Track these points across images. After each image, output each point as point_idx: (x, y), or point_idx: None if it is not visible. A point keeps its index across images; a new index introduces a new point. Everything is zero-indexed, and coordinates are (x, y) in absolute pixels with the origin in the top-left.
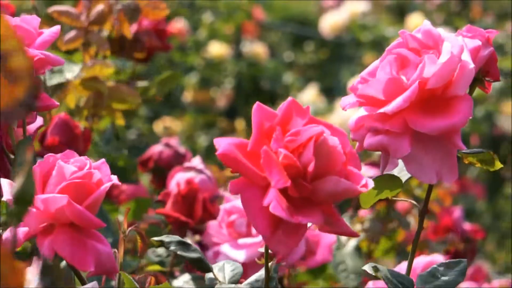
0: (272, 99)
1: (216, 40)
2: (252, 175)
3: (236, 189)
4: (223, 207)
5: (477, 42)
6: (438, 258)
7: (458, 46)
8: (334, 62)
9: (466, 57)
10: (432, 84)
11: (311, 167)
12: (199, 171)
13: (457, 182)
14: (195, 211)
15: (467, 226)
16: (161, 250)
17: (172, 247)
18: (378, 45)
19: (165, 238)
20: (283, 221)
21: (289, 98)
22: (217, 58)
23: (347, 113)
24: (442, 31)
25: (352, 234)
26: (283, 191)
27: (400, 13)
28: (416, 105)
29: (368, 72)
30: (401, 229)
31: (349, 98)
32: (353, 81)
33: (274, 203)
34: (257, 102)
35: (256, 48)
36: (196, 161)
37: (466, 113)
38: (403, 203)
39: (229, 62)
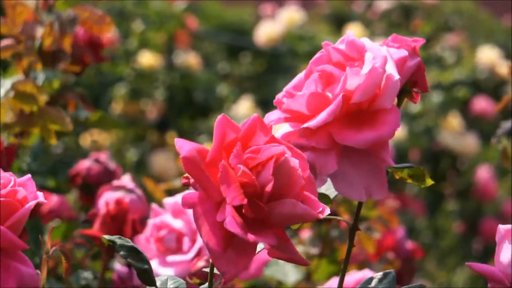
0: (205, 111)
1: (147, 50)
2: (209, 187)
3: (189, 202)
4: (152, 221)
5: (403, 52)
6: (369, 273)
7: (381, 57)
8: (271, 73)
9: (391, 68)
10: (357, 98)
11: (268, 188)
12: (129, 191)
13: (396, 198)
14: (125, 233)
15: (407, 244)
16: (87, 273)
17: (122, 253)
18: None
19: (118, 239)
20: (234, 240)
21: (255, 115)
22: (148, 68)
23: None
24: (367, 42)
25: (302, 263)
26: (237, 209)
27: (339, 23)
28: (341, 119)
29: (293, 86)
30: (343, 249)
31: (274, 114)
32: (277, 96)
33: (229, 218)
34: (223, 114)
35: (189, 58)
36: (126, 180)
37: (393, 125)
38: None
39: (161, 73)
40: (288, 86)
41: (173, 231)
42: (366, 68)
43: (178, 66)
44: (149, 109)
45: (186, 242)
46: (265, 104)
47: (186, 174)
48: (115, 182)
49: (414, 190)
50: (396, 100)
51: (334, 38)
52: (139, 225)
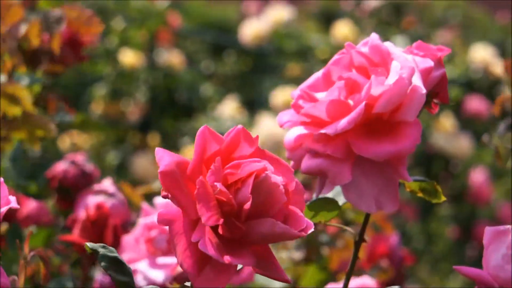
0: (189, 112)
1: (128, 48)
2: (186, 204)
3: (165, 220)
4: (143, 221)
5: (429, 63)
6: (368, 281)
7: (409, 68)
8: (256, 73)
9: (417, 80)
10: (380, 108)
11: (247, 206)
12: (111, 195)
13: None
14: (106, 238)
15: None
16: (67, 281)
17: (103, 264)
18: (303, 55)
19: (101, 249)
20: (212, 259)
21: (238, 126)
22: (129, 67)
23: (270, 128)
24: (390, 47)
25: (283, 280)
26: (214, 229)
27: (327, 20)
28: (360, 128)
29: (309, 85)
30: (333, 256)
31: (289, 115)
32: (292, 94)
33: (203, 240)
34: (205, 125)
35: (172, 57)
36: (107, 183)
37: (414, 139)
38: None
39: (143, 72)
40: (304, 85)
41: (164, 232)
42: (392, 78)
43: (161, 65)
44: (131, 109)
45: None
46: (251, 104)
47: None
48: (96, 186)
49: (406, 194)
50: None
51: (321, 37)
52: (121, 231)
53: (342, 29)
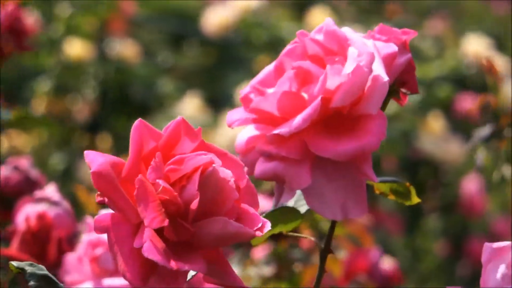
0: (144, 110)
1: (75, 38)
2: (125, 208)
3: (101, 226)
4: (87, 238)
5: (392, 48)
6: None
7: (367, 54)
8: (221, 66)
9: (378, 68)
10: (338, 101)
11: (194, 205)
12: (54, 203)
13: (369, 213)
14: (48, 252)
15: (384, 267)
16: None
17: (32, 283)
18: (274, 46)
19: (28, 267)
20: (158, 267)
21: (179, 117)
22: (77, 59)
23: (236, 129)
24: (349, 33)
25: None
26: (159, 232)
27: (301, 8)
28: (317, 125)
29: (260, 80)
30: (306, 272)
31: (238, 113)
32: (242, 91)
33: (148, 244)
34: (139, 119)
35: (125, 48)
36: (50, 190)
37: (378, 134)
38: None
39: (92, 65)
40: (255, 81)
41: None
42: (349, 67)
43: (112, 57)
44: (78, 107)
45: None
46: (215, 102)
47: None
48: (37, 193)
49: (389, 204)
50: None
51: (295, 26)
52: (66, 244)
53: (318, 17)
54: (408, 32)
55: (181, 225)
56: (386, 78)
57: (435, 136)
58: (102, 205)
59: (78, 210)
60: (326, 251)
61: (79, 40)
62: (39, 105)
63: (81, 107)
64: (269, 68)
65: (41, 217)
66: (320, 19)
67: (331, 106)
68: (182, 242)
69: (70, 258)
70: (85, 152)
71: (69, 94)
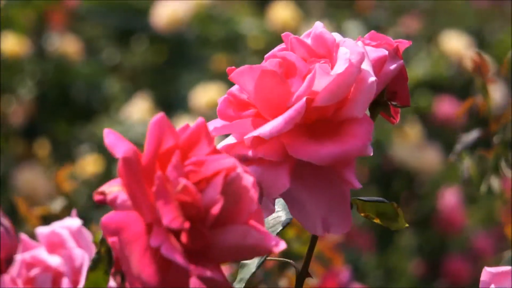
0: (87, 114)
1: (9, 32)
2: (142, 203)
3: (113, 227)
4: (21, 257)
5: (382, 52)
6: None
7: (358, 53)
8: (173, 65)
9: (366, 68)
10: (323, 100)
11: (215, 210)
12: None
13: None
14: None
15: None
16: None
17: None
18: (232, 44)
19: None
20: (170, 272)
21: (200, 119)
22: (11, 56)
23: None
24: (338, 37)
25: None
26: (175, 235)
27: (262, 3)
28: (299, 126)
29: (239, 88)
30: None
31: (214, 122)
32: (219, 100)
33: (167, 244)
34: (162, 114)
35: (66, 44)
36: None
37: (364, 138)
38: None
39: (28, 62)
40: (234, 88)
41: (48, 270)
42: (341, 66)
43: (52, 54)
44: (12, 110)
45: (65, 283)
46: (167, 105)
47: (101, 188)
48: None
49: (359, 220)
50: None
51: (257, 22)
52: (4, 266)
53: (281, 12)
54: (402, 41)
55: (198, 231)
56: (373, 77)
57: (410, 144)
58: (44, 220)
59: (17, 223)
60: (304, 274)
61: (14, 35)
62: None
63: (16, 110)
64: None
65: None
66: (284, 14)
67: (314, 105)
68: (195, 250)
69: (5, 279)
70: (104, 130)
71: (3, 95)
